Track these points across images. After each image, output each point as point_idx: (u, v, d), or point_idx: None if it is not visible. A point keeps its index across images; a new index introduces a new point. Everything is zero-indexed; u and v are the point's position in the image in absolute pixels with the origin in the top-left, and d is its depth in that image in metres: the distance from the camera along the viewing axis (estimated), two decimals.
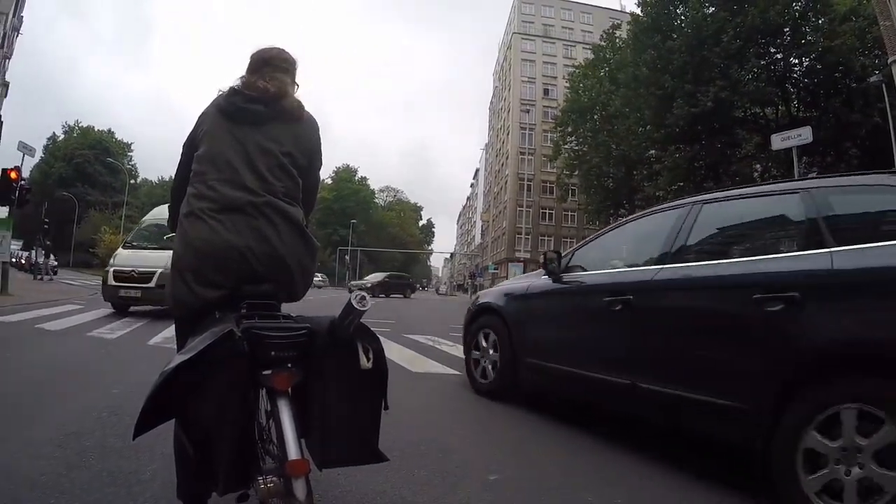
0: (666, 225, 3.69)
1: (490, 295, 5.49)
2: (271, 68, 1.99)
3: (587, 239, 4.84)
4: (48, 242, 28.40)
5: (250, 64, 2.03)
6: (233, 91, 1.92)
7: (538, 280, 4.62)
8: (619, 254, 4.24)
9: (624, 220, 4.81)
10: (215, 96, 1.97)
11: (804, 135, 8.42)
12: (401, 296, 37.62)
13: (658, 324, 3.41)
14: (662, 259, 3.54)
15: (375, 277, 35.99)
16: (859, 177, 3.14)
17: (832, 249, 2.64)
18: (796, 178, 6.99)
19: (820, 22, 27.16)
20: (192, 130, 1.98)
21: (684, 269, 3.37)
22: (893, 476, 2.12)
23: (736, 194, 3.60)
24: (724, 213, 3.56)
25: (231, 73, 2.07)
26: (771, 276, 2.81)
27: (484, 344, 4.94)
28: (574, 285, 4.20)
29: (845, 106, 25.77)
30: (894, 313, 2.34)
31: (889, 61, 14.86)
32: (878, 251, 2.50)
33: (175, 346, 1.90)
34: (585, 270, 4.22)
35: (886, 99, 18.31)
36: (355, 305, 1.55)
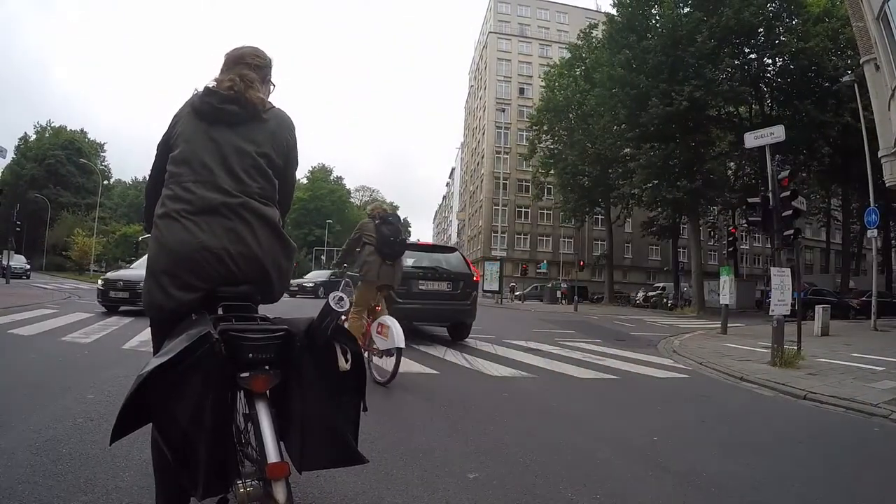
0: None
1: None
2: (242, 66, 1.98)
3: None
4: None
5: (224, 62, 2.02)
6: (208, 91, 1.89)
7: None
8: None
9: None
10: (190, 96, 1.94)
11: (777, 133, 8.50)
12: None
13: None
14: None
15: None
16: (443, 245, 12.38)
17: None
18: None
19: (794, 23, 27.67)
20: (167, 131, 1.95)
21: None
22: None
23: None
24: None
25: (208, 71, 2.06)
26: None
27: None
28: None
29: (817, 106, 26.25)
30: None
31: (861, 61, 15.09)
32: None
33: (151, 350, 1.87)
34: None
35: (858, 99, 18.61)
36: (333, 307, 1.55)
